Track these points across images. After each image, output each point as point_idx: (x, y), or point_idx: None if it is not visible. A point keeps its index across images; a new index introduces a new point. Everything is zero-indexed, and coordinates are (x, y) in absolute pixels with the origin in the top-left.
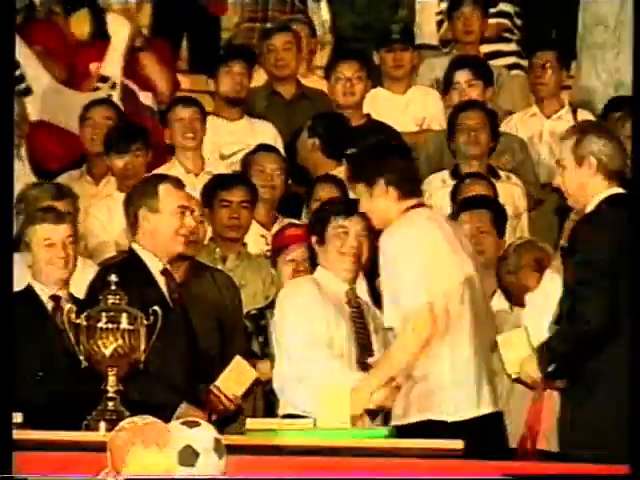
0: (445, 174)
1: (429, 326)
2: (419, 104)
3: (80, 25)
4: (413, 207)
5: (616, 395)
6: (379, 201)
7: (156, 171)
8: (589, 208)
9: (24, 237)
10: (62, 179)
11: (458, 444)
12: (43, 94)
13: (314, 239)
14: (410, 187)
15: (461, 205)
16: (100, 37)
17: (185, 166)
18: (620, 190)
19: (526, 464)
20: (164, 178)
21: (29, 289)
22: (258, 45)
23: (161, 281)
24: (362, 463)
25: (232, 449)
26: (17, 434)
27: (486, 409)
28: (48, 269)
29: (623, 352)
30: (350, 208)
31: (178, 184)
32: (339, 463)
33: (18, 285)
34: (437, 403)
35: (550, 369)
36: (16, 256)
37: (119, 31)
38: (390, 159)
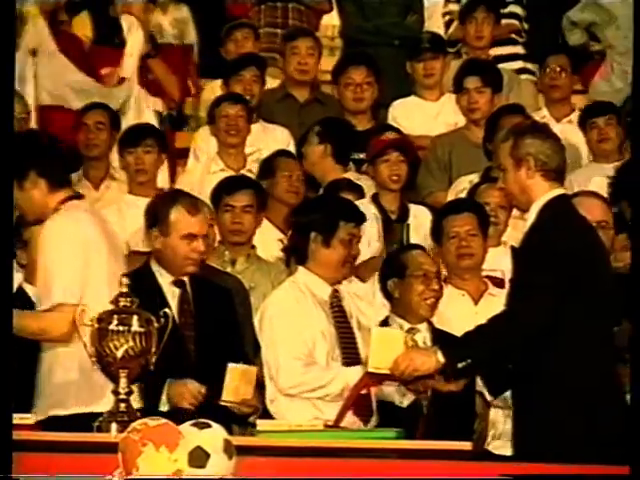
0: (474, 177)
1: (66, 327)
2: (450, 110)
3: (82, 28)
4: (69, 199)
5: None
6: (31, 194)
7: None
8: (532, 213)
9: (22, 235)
10: None
11: (466, 445)
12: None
13: (318, 238)
14: (61, 178)
15: (449, 208)
16: (106, 42)
17: (226, 162)
18: (561, 190)
19: (526, 464)
20: (179, 200)
21: (20, 290)
22: (280, 48)
23: (174, 291)
24: (371, 465)
25: (242, 450)
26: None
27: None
28: None
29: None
30: (362, 215)
31: (193, 208)
32: (348, 464)
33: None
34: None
35: (460, 365)
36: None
37: (134, 35)
38: (38, 150)
